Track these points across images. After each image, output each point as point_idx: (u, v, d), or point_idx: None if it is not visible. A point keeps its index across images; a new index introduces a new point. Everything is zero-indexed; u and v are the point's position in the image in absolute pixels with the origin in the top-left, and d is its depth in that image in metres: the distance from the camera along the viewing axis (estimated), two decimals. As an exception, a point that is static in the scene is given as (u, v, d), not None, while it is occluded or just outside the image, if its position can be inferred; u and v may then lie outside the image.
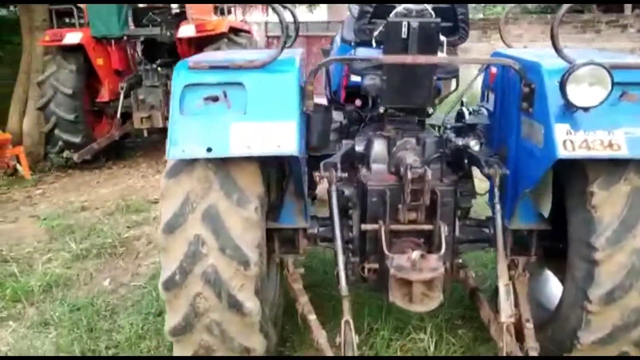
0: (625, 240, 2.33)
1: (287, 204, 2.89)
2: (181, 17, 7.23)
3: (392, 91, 2.85)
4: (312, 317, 2.74)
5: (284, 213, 2.91)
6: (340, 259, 2.63)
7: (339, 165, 2.74)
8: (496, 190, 2.68)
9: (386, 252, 2.61)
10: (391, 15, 2.76)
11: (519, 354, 2.46)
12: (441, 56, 2.80)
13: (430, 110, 2.95)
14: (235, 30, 7.35)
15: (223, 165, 2.41)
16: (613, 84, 2.18)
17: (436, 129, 3.32)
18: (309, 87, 2.56)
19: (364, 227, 2.76)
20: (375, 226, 2.71)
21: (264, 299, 2.57)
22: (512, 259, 2.99)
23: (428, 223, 2.72)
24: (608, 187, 2.37)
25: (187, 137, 2.32)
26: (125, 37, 7.27)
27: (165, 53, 7.47)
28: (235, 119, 2.33)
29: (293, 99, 2.39)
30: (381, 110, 2.93)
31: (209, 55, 3.26)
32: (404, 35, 2.69)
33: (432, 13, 2.77)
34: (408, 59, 2.61)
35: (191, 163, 2.42)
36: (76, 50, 7.11)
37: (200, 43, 6.99)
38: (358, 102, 3.36)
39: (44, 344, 3.30)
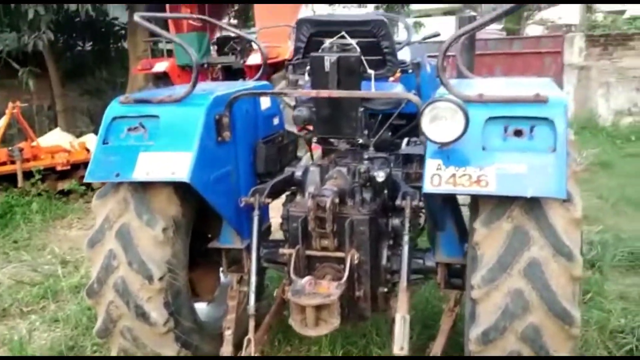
0: (500, 280, 2.24)
1: (225, 225, 3.12)
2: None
3: (321, 122, 2.97)
4: (228, 333, 2.92)
5: (223, 234, 3.14)
6: (253, 279, 2.81)
7: (266, 191, 2.92)
8: (406, 222, 2.70)
9: (292, 276, 2.73)
10: (319, 51, 2.90)
11: None
12: (343, 91, 2.82)
13: (360, 141, 3.01)
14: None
15: (142, 188, 2.70)
16: (467, 119, 2.14)
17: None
18: (225, 119, 2.78)
19: (281, 251, 2.89)
20: (290, 251, 2.84)
21: (181, 312, 2.81)
22: (444, 292, 2.96)
23: (341, 251, 2.79)
24: (489, 224, 2.30)
25: (103, 163, 2.65)
26: (205, 65, 7.94)
27: (241, 78, 8.03)
28: (145, 148, 2.62)
29: (195, 131, 2.63)
30: (314, 140, 3.06)
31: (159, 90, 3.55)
32: (326, 69, 2.82)
33: (357, 48, 2.86)
34: (312, 93, 2.73)
35: (116, 186, 2.75)
36: (165, 77, 7.92)
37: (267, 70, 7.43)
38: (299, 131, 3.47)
39: (49, 337, 3.83)
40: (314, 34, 2.98)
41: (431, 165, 2.29)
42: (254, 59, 7.30)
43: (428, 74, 4.04)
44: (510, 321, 2.22)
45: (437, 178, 2.26)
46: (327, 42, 2.90)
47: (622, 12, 19.75)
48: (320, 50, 2.90)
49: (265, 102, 3.34)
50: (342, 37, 2.89)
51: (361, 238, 2.79)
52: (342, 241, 2.77)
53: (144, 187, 2.69)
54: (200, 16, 4.57)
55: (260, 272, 3.37)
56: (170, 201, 2.74)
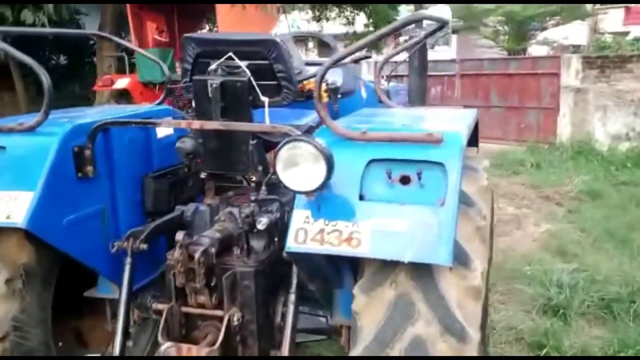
0: (378, 361, 1.81)
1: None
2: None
3: (208, 155, 2.57)
4: None
5: (101, 282, 2.73)
6: (119, 334, 2.41)
7: (144, 235, 2.51)
8: (294, 277, 2.28)
9: (159, 338, 2.31)
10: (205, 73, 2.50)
11: None
12: (229, 123, 2.40)
13: (254, 178, 2.59)
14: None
15: (-15, 233, 2.30)
16: (330, 164, 1.73)
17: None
18: (87, 151, 2.38)
19: (154, 306, 2.48)
20: (163, 306, 2.42)
21: None
22: None
23: (220, 308, 2.36)
24: (369, 291, 1.88)
25: None
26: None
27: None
28: None
29: (42, 166, 2.23)
30: (202, 175, 2.65)
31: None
32: (209, 95, 2.43)
33: (247, 71, 2.46)
34: (182, 124, 2.32)
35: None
36: (127, 93, 7.57)
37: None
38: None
39: None
40: (199, 54, 2.58)
41: (298, 217, 1.87)
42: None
43: (363, 100, 3.62)
44: (387, 415, 1.79)
45: (302, 233, 1.84)
46: (214, 64, 2.50)
47: (626, 33, 19.33)
48: (206, 74, 2.50)
49: (163, 130, 2.93)
50: (231, 59, 2.49)
51: (246, 293, 2.37)
52: (227, 297, 2.35)
53: None
54: (91, 32, 4.18)
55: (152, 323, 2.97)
56: (21, 247, 2.33)
